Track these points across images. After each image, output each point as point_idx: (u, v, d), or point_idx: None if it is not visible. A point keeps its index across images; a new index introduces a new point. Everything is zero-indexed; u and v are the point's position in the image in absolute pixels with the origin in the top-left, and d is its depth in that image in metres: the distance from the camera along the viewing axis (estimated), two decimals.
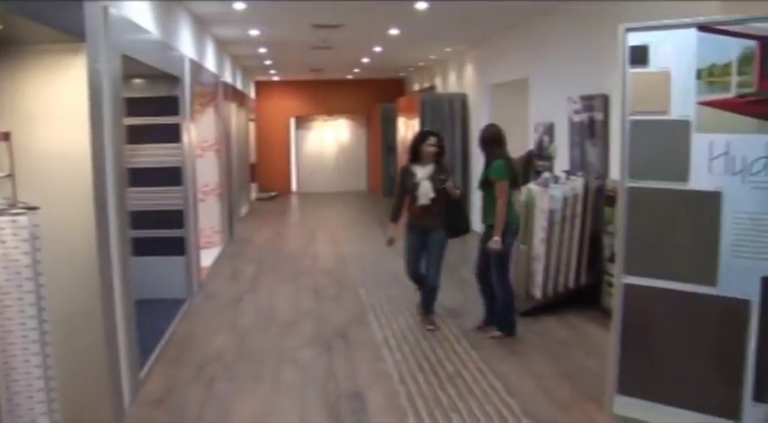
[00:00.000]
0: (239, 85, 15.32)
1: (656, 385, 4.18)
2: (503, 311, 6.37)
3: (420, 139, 6.64)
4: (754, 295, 3.84)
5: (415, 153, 6.59)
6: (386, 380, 5.40)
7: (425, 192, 6.45)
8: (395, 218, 6.83)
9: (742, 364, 3.89)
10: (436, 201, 6.46)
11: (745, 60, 3.83)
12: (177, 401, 5.05)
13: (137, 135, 7.41)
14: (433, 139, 6.56)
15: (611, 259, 5.79)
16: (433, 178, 6.45)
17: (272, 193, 19.45)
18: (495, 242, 6.13)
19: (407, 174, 6.63)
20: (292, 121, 21.26)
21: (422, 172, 6.51)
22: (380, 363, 5.77)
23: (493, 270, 6.31)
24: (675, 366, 4.13)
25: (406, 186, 6.61)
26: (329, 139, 21.75)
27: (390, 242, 6.92)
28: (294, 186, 21.36)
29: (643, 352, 4.23)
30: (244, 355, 6.04)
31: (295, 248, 11.57)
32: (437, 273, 6.64)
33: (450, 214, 6.56)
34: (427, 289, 6.72)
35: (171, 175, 7.79)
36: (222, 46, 12.13)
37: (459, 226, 6.65)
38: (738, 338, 3.89)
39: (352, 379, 5.44)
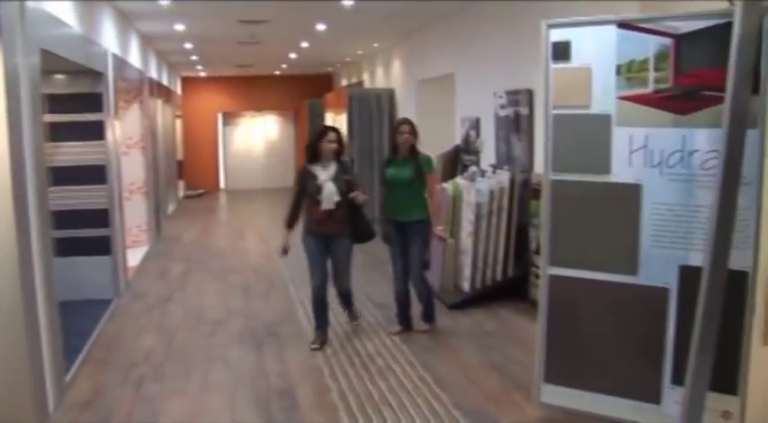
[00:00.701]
0: (165, 81, 15.09)
1: (582, 373, 4.29)
2: (428, 303, 6.34)
3: (318, 135, 5.98)
4: (672, 283, 3.97)
5: (315, 152, 5.95)
6: (317, 376, 5.40)
7: (330, 195, 5.85)
8: (290, 224, 6.08)
9: (662, 350, 4.02)
10: (341, 204, 5.89)
11: (661, 57, 3.94)
12: (105, 404, 4.95)
13: (59, 132, 7.26)
14: (332, 135, 5.94)
15: (538, 251, 5.90)
16: (336, 179, 5.88)
17: (200, 191, 19.22)
18: (441, 231, 6.29)
19: (307, 175, 5.95)
20: (220, 118, 21.02)
21: (324, 173, 5.89)
22: (311, 359, 5.77)
23: (417, 265, 6.14)
24: (600, 354, 4.24)
25: (307, 189, 5.92)
26: (257, 135, 21.59)
27: (285, 251, 6.16)
28: (222, 183, 21.14)
29: (568, 341, 4.33)
30: (173, 355, 5.97)
31: (224, 246, 11.47)
32: (348, 279, 6.20)
33: (352, 219, 6.02)
34: (342, 296, 6.34)
35: (95, 174, 7.64)
36: (147, 41, 11.92)
37: (364, 231, 6.12)
38: (658, 325, 4.02)
39: (283, 376, 5.43)
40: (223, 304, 7.64)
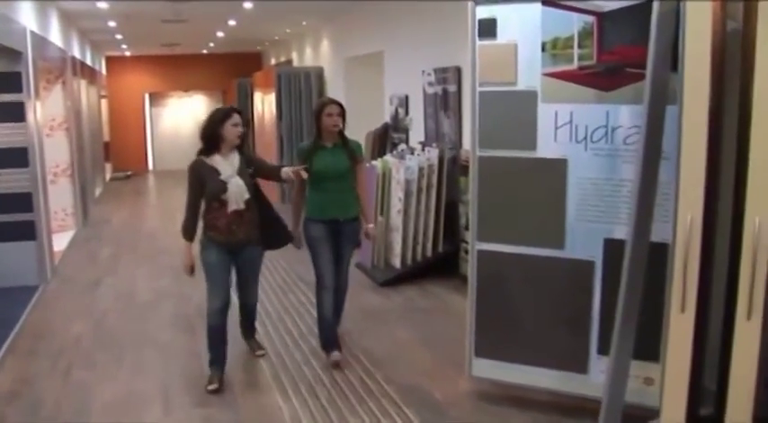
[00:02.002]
0: (89, 61, 14.71)
1: (512, 346, 4.37)
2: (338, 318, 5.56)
3: (221, 118, 4.72)
4: (597, 256, 4.07)
5: (215, 140, 4.74)
6: (249, 357, 5.38)
7: (239, 192, 4.73)
8: (192, 234, 4.90)
9: (588, 321, 4.12)
10: (250, 204, 4.81)
11: (585, 34, 4.00)
12: (32, 394, 4.83)
13: None
14: (237, 117, 4.75)
15: (467, 227, 5.97)
16: (242, 174, 4.77)
17: (128, 173, 18.84)
18: (373, 228, 5.56)
19: (206, 171, 4.73)
20: (146, 98, 20.60)
21: (227, 166, 4.74)
22: (243, 340, 5.73)
23: (347, 269, 5.43)
24: (528, 327, 4.32)
25: (208, 188, 4.73)
26: (185, 115, 21.20)
27: (192, 269, 4.97)
28: (151, 165, 20.78)
29: (498, 315, 4.40)
30: (103, 341, 5.87)
31: (154, 228, 11.30)
32: (256, 290, 5.28)
33: (263, 220, 4.98)
34: (247, 310, 5.35)
35: (16, 157, 7.40)
36: (69, 19, 11.58)
37: (279, 234, 5.10)
38: (585, 297, 4.12)
39: None
40: (154, 287, 7.54)
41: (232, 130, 4.73)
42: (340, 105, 5.16)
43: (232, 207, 4.75)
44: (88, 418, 4.47)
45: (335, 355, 5.12)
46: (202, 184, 4.76)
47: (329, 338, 5.22)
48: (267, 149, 14.21)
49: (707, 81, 2.83)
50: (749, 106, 2.72)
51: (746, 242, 2.68)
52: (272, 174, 5.08)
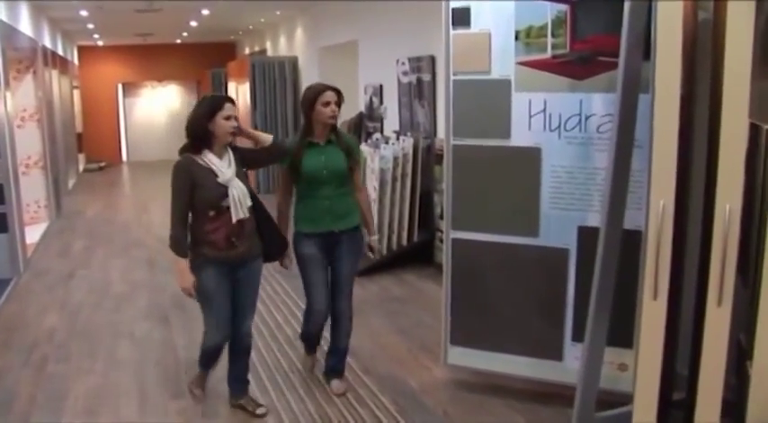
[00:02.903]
0: (60, 51, 14.53)
1: (487, 334, 4.39)
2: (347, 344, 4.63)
3: (210, 110, 3.87)
4: (571, 244, 4.10)
5: (204, 136, 3.88)
6: (225, 348, 5.35)
7: (241, 197, 3.91)
8: (185, 249, 3.95)
9: (563, 309, 4.16)
10: (249, 210, 4.01)
11: (558, 23, 4.02)
12: (5, 388, 4.79)
13: None
14: (230, 108, 3.91)
15: (442, 216, 5.98)
16: (240, 175, 3.98)
17: (102, 164, 18.65)
18: (376, 241, 4.71)
19: (200, 172, 3.87)
20: (120, 88, 20.40)
21: (226, 167, 3.92)
22: None
23: (349, 289, 4.48)
24: (503, 315, 4.35)
25: (203, 195, 3.86)
26: (159, 106, 21.06)
27: (193, 290, 4.00)
28: (125, 156, 20.60)
29: (473, 304, 4.42)
30: (77, 333, 5.82)
31: (128, 219, 11.22)
32: (252, 317, 4.28)
33: (259, 226, 4.14)
34: (240, 348, 4.30)
35: None
36: (39, 9, 11.43)
37: (276, 241, 4.27)
38: (559, 285, 4.15)
39: (191, 349, 5.34)
40: (128, 279, 7.49)
41: (224, 124, 3.88)
42: (338, 92, 4.28)
43: (236, 216, 3.89)
44: (63, 411, 4.44)
45: (336, 384, 4.55)
46: (194, 188, 3.86)
47: (314, 345, 4.79)
48: (242, 141, 14.12)
49: (678, 70, 2.85)
50: (720, 95, 2.74)
51: (717, 229, 2.71)
52: (260, 154, 4.22)
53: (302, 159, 4.24)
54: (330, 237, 4.30)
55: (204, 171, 3.88)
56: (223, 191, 3.88)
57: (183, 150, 3.98)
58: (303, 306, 4.55)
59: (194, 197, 3.87)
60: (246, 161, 4.13)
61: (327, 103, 4.21)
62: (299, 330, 4.84)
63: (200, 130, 3.89)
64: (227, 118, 3.90)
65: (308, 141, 4.27)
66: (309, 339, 4.74)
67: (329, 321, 4.52)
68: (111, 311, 6.40)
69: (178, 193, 3.91)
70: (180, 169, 3.91)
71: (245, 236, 3.99)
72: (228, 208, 3.89)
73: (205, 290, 4.00)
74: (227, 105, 3.92)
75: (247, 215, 3.96)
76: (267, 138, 4.20)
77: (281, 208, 4.42)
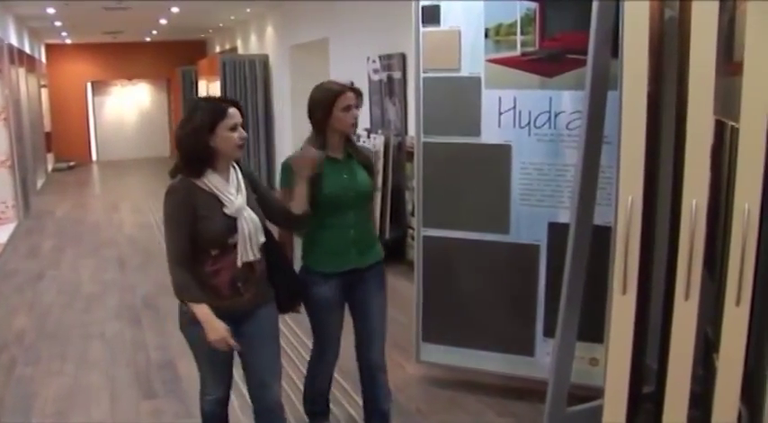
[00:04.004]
0: (27, 49, 14.36)
1: (459, 330, 4.41)
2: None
3: (211, 120, 2.94)
4: (542, 240, 4.13)
5: (207, 153, 2.98)
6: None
7: (253, 233, 3.03)
8: (198, 293, 2.99)
9: (534, 305, 4.19)
10: (261, 248, 3.12)
11: (527, 21, 4.04)
12: None
13: None
14: (235, 115, 3.00)
15: (413, 213, 5.99)
16: (250, 201, 3.10)
17: (71, 163, 18.46)
18: None
19: (201, 200, 2.99)
20: (89, 87, 20.20)
21: (234, 192, 3.03)
22: None
23: (381, 336, 3.64)
24: (475, 311, 4.37)
25: (208, 229, 2.97)
26: (129, 104, 20.92)
27: (227, 345, 2.98)
28: (94, 155, 20.40)
29: (445, 300, 4.44)
30: (47, 335, 5.76)
31: (98, 219, 11.13)
32: (279, 383, 3.30)
33: (271, 268, 3.23)
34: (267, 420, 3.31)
35: None
36: (4, 6, 11.29)
37: (293, 290, 3.36)
38: (530, 281, 4.18)
39: (163, 349, 5.34)
40: (99, 279, 7.43)
41: (229, 137, 2.98)
42: (359, 92, 3.42)
43: (245, 256, 3.02)
44: (32, 413, 4.40)
45: None
46: (193, 220, 2.97)
47: (325, 398, 3.89)
48: None
49: (645, 67, 2.88)
50: (685, 92, 2.78)
51: (684, 224, 2.74)
52: (279, 213, 3.28)
53: (323, 178, 3.34)
54: (352, 274, 3.46)
55: (207, 198, 2.98)
56: (231, 224, 2.98)
57: (175, 172, 3.07)
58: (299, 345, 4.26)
59: (195, 231, 2.97)
60: (257, 189, 3.23)
61: (348, 108, 3.34)
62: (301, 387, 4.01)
63: (199, 148, 2.97)
64: (233, 128, 2.98)
65: (324, 156, 3.37)
66: (318, 402, 3.85)
67: (353, 379, 3.87)
68: (81, 312, 6.35)
69: (176, 228, 2.98)
70: (177, 197, 3.00)
71: (253, 280, 3.09)
72: (236, 246, 3.00)
73: (202, 344, 3.02)
74: (231, 111, 2.99)
75: (258, 256, 3.08)
76: (301, 204, 3.26)
77: (284, 238, 3.47)
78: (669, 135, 3.43)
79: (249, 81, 12.98)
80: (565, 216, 3.93)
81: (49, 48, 19.08)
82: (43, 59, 18.29)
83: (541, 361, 4.19)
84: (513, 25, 4.08)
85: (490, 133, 4.19)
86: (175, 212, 3.00)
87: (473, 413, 4.22)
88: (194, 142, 2.97)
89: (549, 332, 4.10)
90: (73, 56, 19.51)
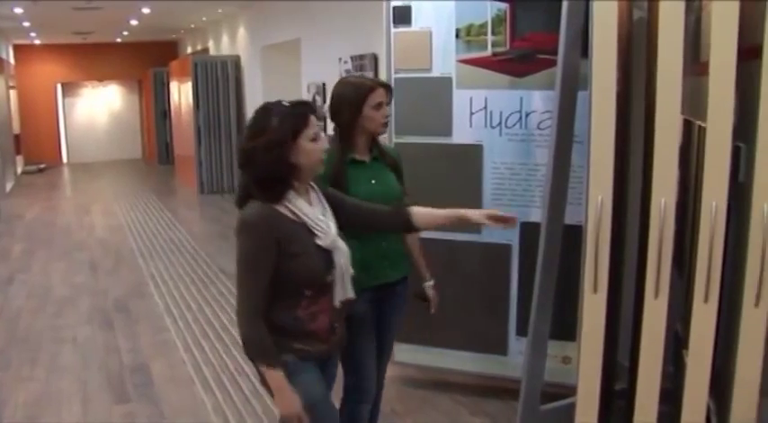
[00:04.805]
0: None
1: (433, 331, 4.41)
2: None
3: (296, 128, 2.47)
4: (514, 240, 4.14)
5: (288, 170, 2.49)
6: (171, 350, 5.32)
7: (346, 266, 2.59)
8: (272, 352, 2.48)
9: (507, 304, 4.20)
10: None
11: (498, 21, 4.06)
12: None
13: None
14: (316, 122, 2.54)
15: None
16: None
17: (41, 166, 18.27)
18: (431, 288, 3.49)
19: (290, 232, 2.47)
20: (59, 88, 20.00)
21: (319, 218, 2.56)
22: (164, 333, 5.66)
23: (388, 355, 3.48)
24: (448, 311, 4.36)
25: (300, 266, 2.47)
26: (100, 106, 20.74)
27: (297, 419, 2.49)
28: (65, 157, 20.21)
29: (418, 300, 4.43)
30: (17, 340, 5.70)
31: (69, 222, 11.02)
32: None
33: None
34: None
35: None
36: None
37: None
38: (503, 280, 4.20)
39: (136, 352, 5.31)
40: (70, 282, 7.36)
41: (312, 150, 2.51)
42: (389, 88, 3.17)
43: (344, 295, 2.59)
44: (2, 420, 4.34)
45: None
46: (282, 258, 2.44)
47: None
48: (185, 141, 14.02)
49: (614, 67, 2.90)
50: (654, 91, 2.80)
51: (653, 223, 2.76)
52: (374, 216, 2.86)
53: (347, 184, 3.01)
54: (382, 290, 3.17)
55: (295, 229, 2.48)
56: (327, 258, 2.52)
57: (245, 199, 2.50)
58: None
59: (281, 270, 2.45)
60: (337, 211, 2.70)
61: (380, 106, 3.08)
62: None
63: (280, 165, 2.46)
64: (315, 138, 2.51)
65: (349, 158, 3.09)
66: None
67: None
68: (52, 316, 6.28)
69: (255, 273, 2.43)
70: (258, 232, 2.43)
71: (343, 317, 2.71)
72: (332, 283, 2.56)
73: (314, 401, 2.56)
74: (312, 118, 2.52)
75: (353, 295, 2.65)
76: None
77: None
78: (639, 135, 3.46)
79: (221, 82, 12.95)
80: (536, 215, 3.96)
81: (17, 48, 18.85)
82: (11, 60, 18.08)
83: (514, 360, 4.20)
84: (483, 26, 4.09)
85: (462, 133, 4.20)
86: (257, 254, 2.42)
87: (447, 413, 4.23)
88: (274, 158, 2.44)
89: (521, 331, 4.12)
90: (42, 57, 19.29)
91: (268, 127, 2.45)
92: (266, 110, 2.53)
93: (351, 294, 2.60)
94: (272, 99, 2.62)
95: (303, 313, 2.52)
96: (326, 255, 2.51)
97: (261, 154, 2.43)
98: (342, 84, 3.19)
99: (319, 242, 2.49)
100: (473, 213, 2.85)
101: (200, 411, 4.36)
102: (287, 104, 2.52)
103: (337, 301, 2.57)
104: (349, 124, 3.08)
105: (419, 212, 2.84)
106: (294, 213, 2.47)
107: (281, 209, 2.47)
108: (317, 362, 2.62)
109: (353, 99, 3.06)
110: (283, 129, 2.44)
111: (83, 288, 7.12)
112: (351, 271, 2.60)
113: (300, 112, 2.50)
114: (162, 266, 7.70)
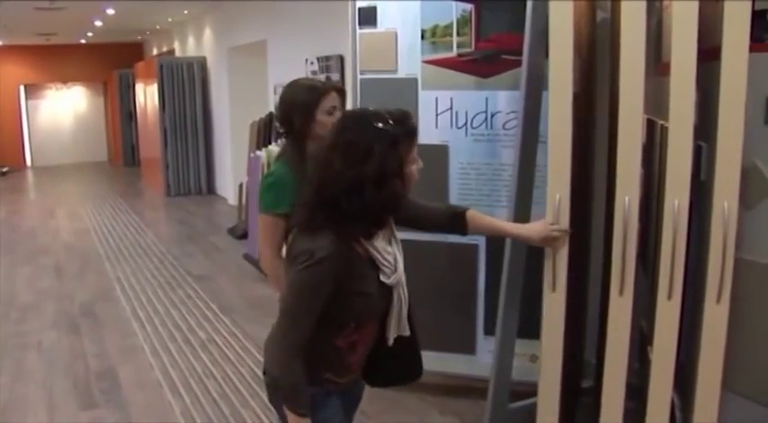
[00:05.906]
0: None
1: None
2: None
3: (403, 147, 2.08)
4: (480, 240, 4.16)
5: (396, 204, 2.15)
6: (138, 354, 5.27)
7: (405, 301, 2.37)
8: (305, 396, 2.17)
9: (474, 303, 4.22)
10: None
11: (463, 22, 4.08)
12: None
13: None
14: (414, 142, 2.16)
15: None
16: None
17: (4, 169, 18.00)
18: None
19: (357, 269, 2.13)
20: (22, 90, 19.72)
21: (389, 254, 2.25)
22: (131, 338, 5.61)
23: None
24: (416, 311, 4.37)
25: (362, 305, 2.19)
26: (65, 108, 20.48)
27: None
28: (29, 160, 19.92)
29: None
30: None
31: (33, 226, 10.87)
32: None
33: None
34: None
35: None
36: None
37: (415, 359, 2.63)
38: (470, 280, 4.22)
39: (102, 357, 5.26)
40: (35, 287, 7.26)
41: (412, 174, 2.18)
42: (342, 92, 3.03)
43: (397, 332, 2.36)
44: None
45: None
46: (341, 293, 2.11)
47: None
48: (151, 143, 13.92)
49: (570, 67, 2.91)
50: (617, 91, 2.83)
51: (617, 221, 2.79)
52: (434, 217, 2.81)
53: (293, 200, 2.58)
54: None
55: (362, 266, 2.16)
56: (386, 293, 2.26)
57: (312, 223, 2.11)
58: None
59: (331, 302, 2.12)
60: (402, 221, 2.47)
61: (333, 110, 2.92)
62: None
63: (391, 202, 2.12)
64: (414, 161, 2.16)
65: (305, 168, 2.56)
66: None
67: None
68: (16, 322, 6.19)
69: (308, 308, 2.11)
70: (330, 267, 2.06)
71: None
72: (385, 317, 2.30)
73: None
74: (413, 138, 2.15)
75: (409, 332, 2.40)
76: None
77: (274, 273, 2.91)
78: (603, 134, 3.50)
79: (187, 84, 12.87)
80: (503, 215, 3.97)
81: None
82: None
83: (483, 359, 4.22)
84: (449, 26, 4.11)
85: (427, 134, 4.20)
86: (318, 290, 2.08)
87: (416, 413, 4.24)
88: (387, 195, 2.05)
89: (489, 330, 4.14)
90: (4, 58, 18.99)
91: (372, 149, 2.00)
92: (365, 122, 2.07)
93: (406, 332, 2.36)
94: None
95: (343, 342, 2.23)
96: (386, 290, 2.23)
97: (371, 189, 2.01)
98: (291, 87, 2.97)
99: (384, 279, 2.19)
100: (535, 238, 2.85)
101: (168, 415, 4.32)
102: (388, 118, 2.07)
103: (391, 339, 2.31)
104: (301, 131, 2.89)
105: (475, 218, 2.73)
106: (366, 249, 2.15)
107: (356, 246, 2.13)
108: (344, 394, 2.39)
109: (306, 104, 2.87)
110: (395, 155, 2.02)
111: (48, 293, 7.03)
112: (406, 305, 2.34)
113: (408, 132, 2.10)
114: (129, 270, 7.63)
